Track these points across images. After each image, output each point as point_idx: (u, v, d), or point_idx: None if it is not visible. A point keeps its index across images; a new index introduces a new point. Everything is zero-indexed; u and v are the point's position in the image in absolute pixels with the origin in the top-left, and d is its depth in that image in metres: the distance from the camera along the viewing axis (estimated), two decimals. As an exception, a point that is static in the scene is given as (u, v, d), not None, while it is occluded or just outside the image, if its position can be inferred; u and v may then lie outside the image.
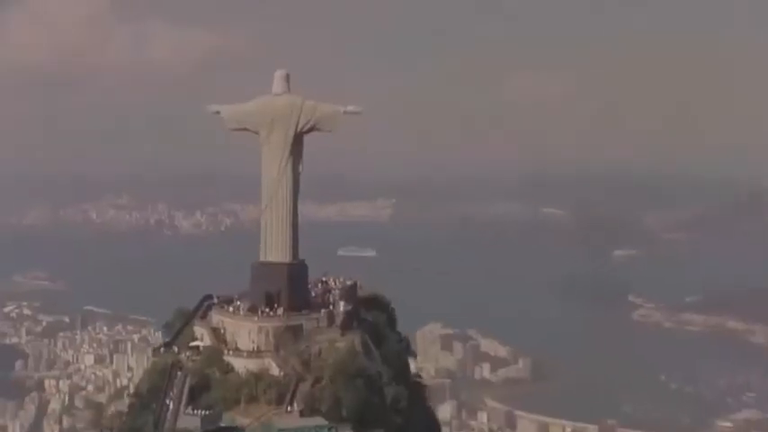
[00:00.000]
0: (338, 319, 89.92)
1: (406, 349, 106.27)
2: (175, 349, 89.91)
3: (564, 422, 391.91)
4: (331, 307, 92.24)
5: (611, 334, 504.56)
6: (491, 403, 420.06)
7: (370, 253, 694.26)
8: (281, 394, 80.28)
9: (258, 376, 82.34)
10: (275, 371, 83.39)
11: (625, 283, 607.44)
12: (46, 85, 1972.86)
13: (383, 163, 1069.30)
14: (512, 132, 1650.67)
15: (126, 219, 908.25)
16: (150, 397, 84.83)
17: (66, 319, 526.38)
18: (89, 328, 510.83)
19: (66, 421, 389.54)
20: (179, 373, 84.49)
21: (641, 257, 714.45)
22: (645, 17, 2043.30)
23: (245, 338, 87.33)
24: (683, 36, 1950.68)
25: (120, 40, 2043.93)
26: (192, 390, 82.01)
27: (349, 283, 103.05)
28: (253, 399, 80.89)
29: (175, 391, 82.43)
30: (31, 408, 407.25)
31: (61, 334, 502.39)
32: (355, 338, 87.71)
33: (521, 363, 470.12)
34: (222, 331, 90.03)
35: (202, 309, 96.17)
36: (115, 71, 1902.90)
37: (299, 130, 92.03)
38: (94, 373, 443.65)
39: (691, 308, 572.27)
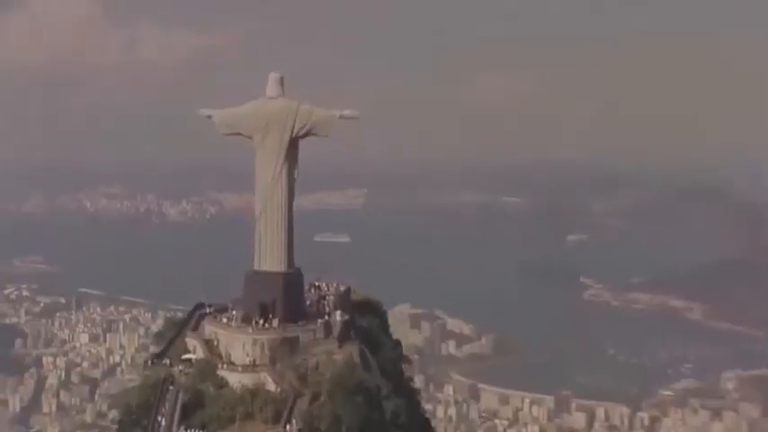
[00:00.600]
0: (335, 330, 78.50)
1: (401, 356, 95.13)
2: (167, 362, 77.93)
3: (523, 394, 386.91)
4: (326, 317, 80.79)
5: (564, 312, 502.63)
6: (456, 377, 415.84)
7: (345, 239, 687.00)
8: (278, 411, 69.49)
9: (254, 392, 71.35)
10: (271, 386, 72.27)
11: (577, 265, 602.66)
12: (44, 84, 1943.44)
13: (355, 154, 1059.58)
14: (477, 128, 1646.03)
15: (117, 207, 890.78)
16: (141, 413, 73.37)
17: (62, 301, 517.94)
18: (84, 308, 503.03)
19: (62, 395, 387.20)
20: (171, 387, 73.30)
21: (591, 242, 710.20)
22: (606, 23, 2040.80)
23: (240, 351, 75.80)
24: (645, 40, 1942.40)
25: (113, 42, 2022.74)
26: (184, 406, 70.97)
27: (342, 288, 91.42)
28: (248, 416, 70.09)
29: (167, 407, 71.37)
30: (30, 383, 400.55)
31: (58, 314, 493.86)
32: (353, 350, 76.59)
33: (483, 340, 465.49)
34: (215, 343, 78.33)
35: (194, 319, 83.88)
36: (109, 71, 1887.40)
37: (294, 134, 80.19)
38: (89, 351, 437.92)
39: (636, 288, 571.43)
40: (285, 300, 79.06)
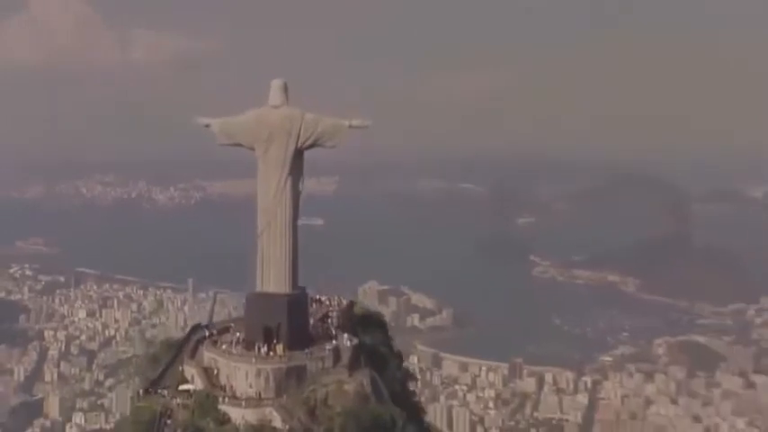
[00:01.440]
0: (344, 356, 63.22)
1: (407, 373, 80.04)
2: (164, 393, 61.46)
3: (480, 361, 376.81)
4: (333, 340, 65.51)
5: (516, 287, 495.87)
6: (421, 347, 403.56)
7: (319, 222, 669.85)
8: (287, 453, 54.74)
9: (259, 430, 56.49)
10: (278, 422, 57.17)
11: (526, 245, 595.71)
12: (43, 81, 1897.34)
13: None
14: (436, 121, 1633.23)
15: (111, 193, 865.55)
16: (134, 452, 58.16)
17: (62, 279, 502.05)
18: (81, 286, 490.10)
19: (63, 366, 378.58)
20: (168, 422, 57.88)
21: (539, 224, 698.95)
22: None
23: (242, 382, 60.44)
24: (596, 37, 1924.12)
25: (107, 43, 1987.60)
26: (183, 446, 55.79)
27: (345, 302, 76.57)
28: (254, 459, 55.17)
29: (164, 446, 56.23)
30: (33, 354, 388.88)
31: (58, 291, 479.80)
32: (364, 378, 61.36)
33: (444, 313, 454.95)
34: (215, 372, 62.50)
35: (191, 343, 67.46)
36: (103, 69, 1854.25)
37: (299, 145, 64.43)
38: (86, 325, 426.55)
39: (578, 265, 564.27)
40: (290, 323, 63.58)
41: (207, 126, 67.45)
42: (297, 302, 65.45)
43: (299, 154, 65.26)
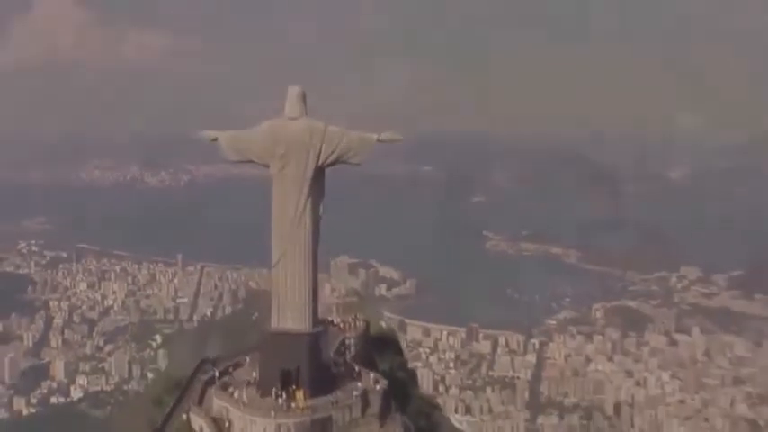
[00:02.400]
0: (373, 401, 47.73)
1: (428, 403, 64.99)
2: None
3: (441, 326, 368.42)
4: (359, 384, 49.66)
5: (471, 260, 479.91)
6: (387, 314, 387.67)
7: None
8: None
9: (281, 498, 41.41)
10: (303, 489, 42.12)
11: (479, 222, 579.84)
12: (44, 76, 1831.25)
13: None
14: (397, 110, 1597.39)
15: (107, 177, 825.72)
16: None
17: (65, 254, 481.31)
18: (82, 261, 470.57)
19: (66, 333, 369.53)
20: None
21: (490, 203, 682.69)
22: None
23: None
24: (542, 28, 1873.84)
25: (105, 43, 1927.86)
26: None
27: (360, 323, 61.34)
28: None
29: None
30: (39, 323, 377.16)
31: (61, 266, 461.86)
32: (396, 429, 46.25)
33: (408, 283, 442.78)
34: (227, 424, 46.52)
35: (198, 384, 51.19)
36: (101, 69, 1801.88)
37: (320, 162, 48.80)
38: (87, 296, 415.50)
39: (525, 239, 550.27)
40: (311, 366, 48.08)
41: (214, 140, 50.58)
42: (317, 341, 49.75)
43: (319, 172, 49.52)
